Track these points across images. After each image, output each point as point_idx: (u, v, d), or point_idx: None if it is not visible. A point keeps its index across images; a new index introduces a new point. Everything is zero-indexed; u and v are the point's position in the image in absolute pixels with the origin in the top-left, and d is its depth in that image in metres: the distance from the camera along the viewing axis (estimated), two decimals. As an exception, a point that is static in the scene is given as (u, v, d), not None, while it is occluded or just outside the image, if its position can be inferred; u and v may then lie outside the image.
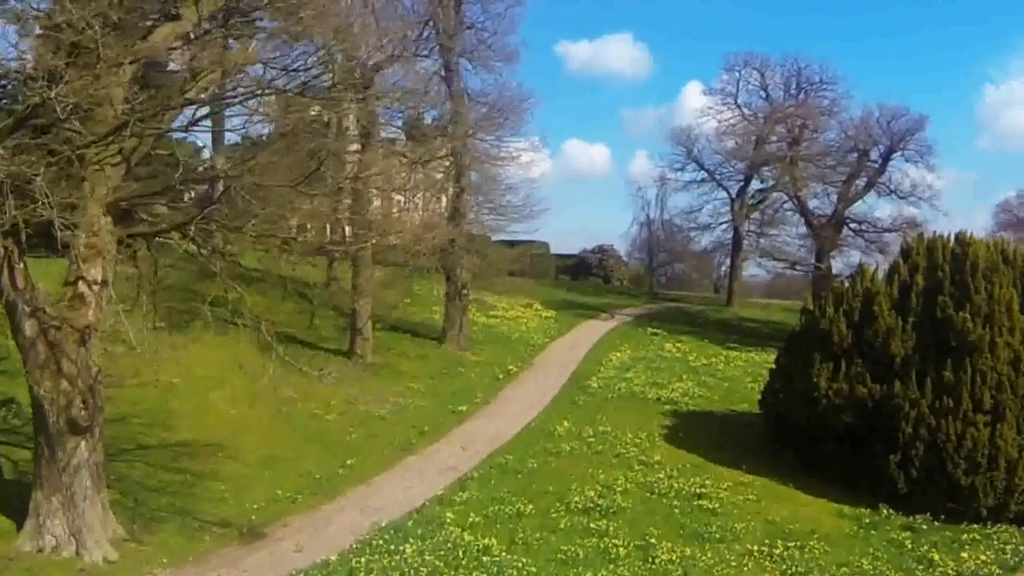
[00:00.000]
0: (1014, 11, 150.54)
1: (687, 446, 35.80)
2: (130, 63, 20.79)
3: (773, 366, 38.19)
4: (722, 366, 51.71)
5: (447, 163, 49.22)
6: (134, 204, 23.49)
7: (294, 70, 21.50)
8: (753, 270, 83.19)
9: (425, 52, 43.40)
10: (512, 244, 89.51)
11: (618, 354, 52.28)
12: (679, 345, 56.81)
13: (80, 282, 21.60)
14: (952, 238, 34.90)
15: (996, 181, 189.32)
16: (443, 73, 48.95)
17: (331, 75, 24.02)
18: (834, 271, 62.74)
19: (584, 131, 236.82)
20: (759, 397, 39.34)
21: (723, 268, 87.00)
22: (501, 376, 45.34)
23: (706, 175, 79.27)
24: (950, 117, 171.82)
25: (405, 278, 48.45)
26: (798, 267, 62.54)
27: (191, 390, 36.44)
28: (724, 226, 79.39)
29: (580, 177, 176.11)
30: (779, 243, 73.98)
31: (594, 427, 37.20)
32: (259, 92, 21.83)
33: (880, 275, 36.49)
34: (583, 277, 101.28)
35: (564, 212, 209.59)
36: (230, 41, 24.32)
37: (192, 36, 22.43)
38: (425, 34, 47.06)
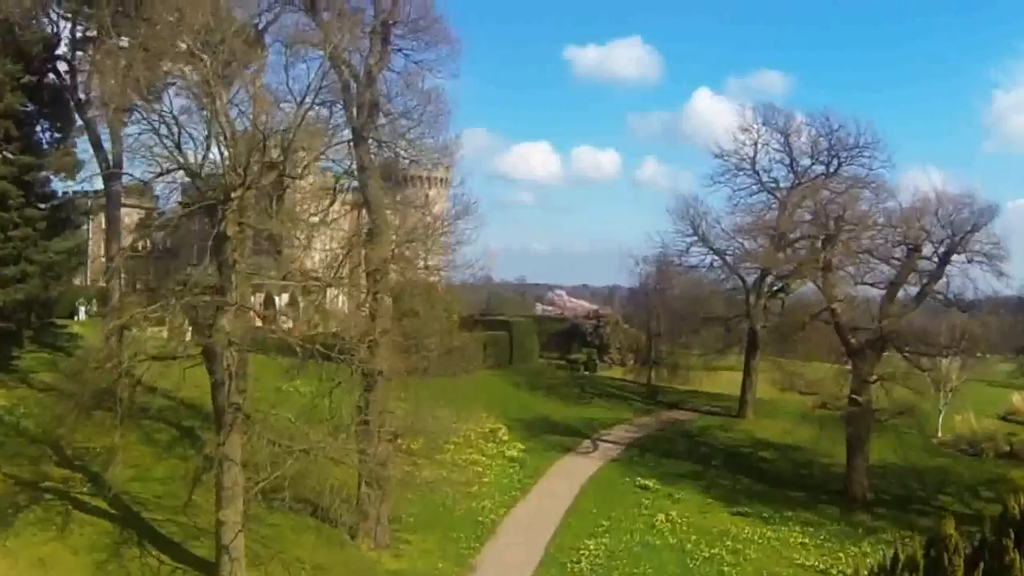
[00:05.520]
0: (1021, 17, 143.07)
1: None
2: None
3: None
4: (729, 562, 38.78)
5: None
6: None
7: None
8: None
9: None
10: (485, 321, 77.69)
11: (592, 542, 39.53)
12: (675, 512, 44.15)
13: None
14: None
15: (1000, 186, 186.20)
16: (354, 171, 36.34)
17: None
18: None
19: (593, 137, 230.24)
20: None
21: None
22: (422, 607, 32.61)
23: (716, 257, 66.14)
24: (957, 122, 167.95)
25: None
26: (829, 406, 49.17)
27: None
28: (738, 319, 66.06)
29: (590, 183, 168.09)
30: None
31: None
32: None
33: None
34: (576, 347, 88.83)
35: (573, 215, 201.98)
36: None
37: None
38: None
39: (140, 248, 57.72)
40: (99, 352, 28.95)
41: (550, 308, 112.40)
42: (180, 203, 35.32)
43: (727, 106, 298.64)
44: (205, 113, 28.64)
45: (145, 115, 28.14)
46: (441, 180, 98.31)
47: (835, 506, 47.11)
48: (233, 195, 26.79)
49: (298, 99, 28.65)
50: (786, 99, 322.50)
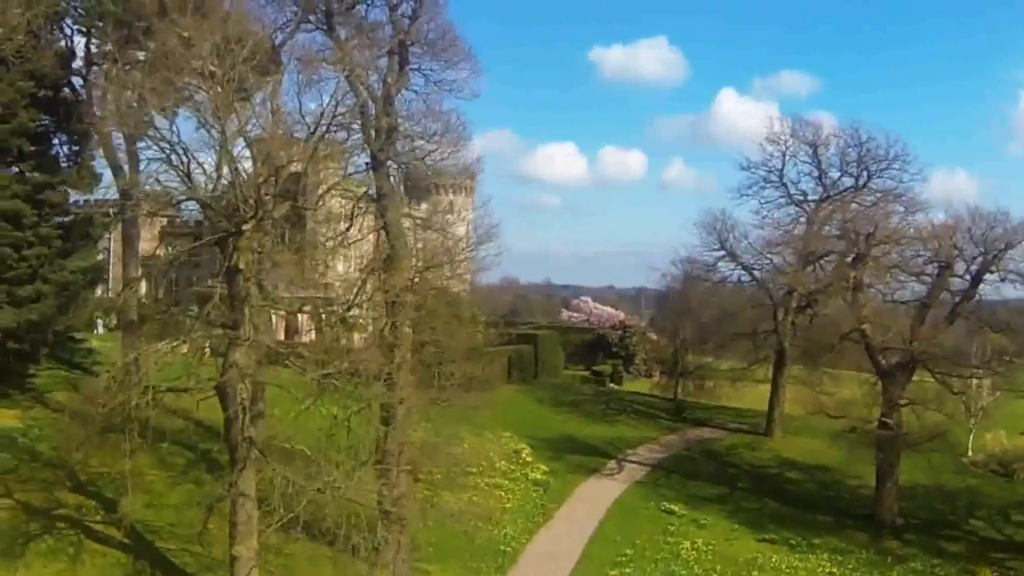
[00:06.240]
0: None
1: None
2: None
3: None
4: (757, 595, 37.80)
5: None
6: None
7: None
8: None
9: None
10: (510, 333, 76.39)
11: (616, 573, 38.65)
12: (700, 539, 43.09)
13: None
14: None
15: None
16: (373, 194, 35.49)
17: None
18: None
19: (618, 138, 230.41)
20: None
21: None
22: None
23: (744, 272, 64.84)
24: (981, 123, 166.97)
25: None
26: (858, 429, 47.80)
27: None
28: (766, 334, 64.56)
29: (616, 185, 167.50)
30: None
31: None
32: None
33: None
34: (601, 358, 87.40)
35: (598, 217, 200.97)
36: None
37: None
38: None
39: (160, 256, 57.08)
40: (109, 390, 27.99)
41: (576, 315, 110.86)
42: (200, 211, 34.53)
43: (752, 107, 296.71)
44: (216, 134, 27.77)
45: (155, 143, 27.27)
46: (466, 188, 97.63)
47: (863, 532, 45.65)
48: (244, 227, 25.92)
49: (313, 124, 27.72)
50: (811, 99, 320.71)
